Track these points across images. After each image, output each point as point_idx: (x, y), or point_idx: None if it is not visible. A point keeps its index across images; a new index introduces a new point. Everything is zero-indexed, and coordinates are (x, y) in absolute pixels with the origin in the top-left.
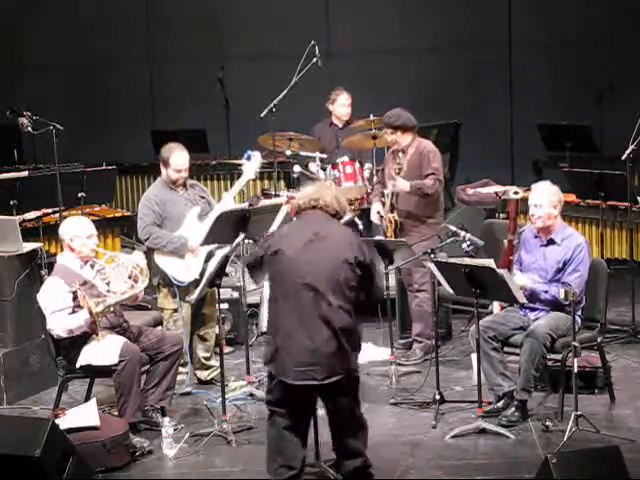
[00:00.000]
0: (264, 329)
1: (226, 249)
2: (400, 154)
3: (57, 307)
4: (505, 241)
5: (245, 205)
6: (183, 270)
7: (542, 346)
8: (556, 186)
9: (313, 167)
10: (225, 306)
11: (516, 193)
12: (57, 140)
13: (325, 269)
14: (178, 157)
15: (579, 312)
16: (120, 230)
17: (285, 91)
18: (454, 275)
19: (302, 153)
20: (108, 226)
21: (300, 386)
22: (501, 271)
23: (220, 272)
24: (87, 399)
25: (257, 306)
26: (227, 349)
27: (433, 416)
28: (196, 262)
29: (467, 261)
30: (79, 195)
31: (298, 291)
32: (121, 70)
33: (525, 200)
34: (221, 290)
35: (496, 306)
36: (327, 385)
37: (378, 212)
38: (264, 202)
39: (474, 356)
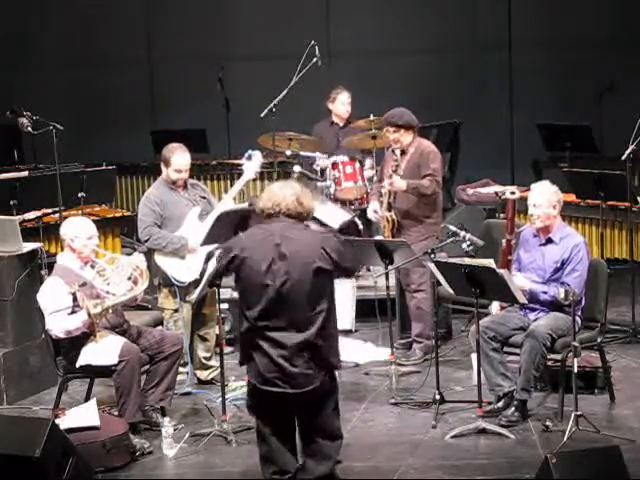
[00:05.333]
0: None
1: None
2: (397, 152)
3: (56, 307)
4: (503, 241)
5: (245, 205)
6: (183, 270)
7: (542, 346)
8: (555, 186)
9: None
10: (225, 306)
11: (513, 193)
12: (57, 140)
13: (292, 287)
14: (179, 158)
15: (579, 312)
16: (120, 230)
17: (285, 91)
18: (454, 275)
19: (302, 153)
20: (108, 226)
21: (273, 392)
22: (501, 271)
23: (220, 272)
24: (87, 399)
25: None
26: (227, 349)
27: (433, 416)
28: (196, 262)
29: (467, 261)
30: (79, 195)
31: (268, 306)
32: (121, 70)
33: (523, 200)
34: (221, 290)
35: (495, 306)
36: (302, 394)
37: (375, 211)
38: None
39: (474, 356)
